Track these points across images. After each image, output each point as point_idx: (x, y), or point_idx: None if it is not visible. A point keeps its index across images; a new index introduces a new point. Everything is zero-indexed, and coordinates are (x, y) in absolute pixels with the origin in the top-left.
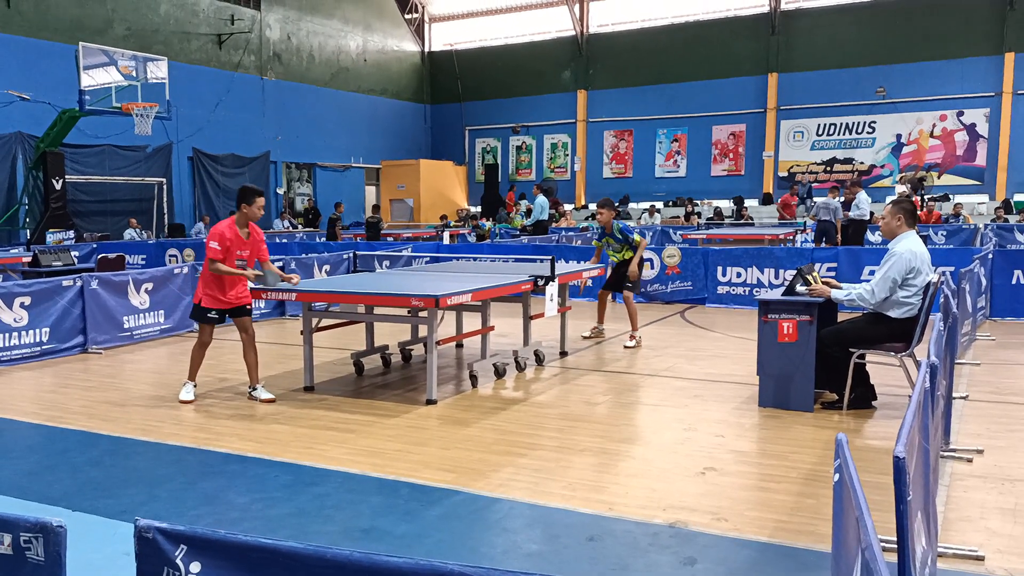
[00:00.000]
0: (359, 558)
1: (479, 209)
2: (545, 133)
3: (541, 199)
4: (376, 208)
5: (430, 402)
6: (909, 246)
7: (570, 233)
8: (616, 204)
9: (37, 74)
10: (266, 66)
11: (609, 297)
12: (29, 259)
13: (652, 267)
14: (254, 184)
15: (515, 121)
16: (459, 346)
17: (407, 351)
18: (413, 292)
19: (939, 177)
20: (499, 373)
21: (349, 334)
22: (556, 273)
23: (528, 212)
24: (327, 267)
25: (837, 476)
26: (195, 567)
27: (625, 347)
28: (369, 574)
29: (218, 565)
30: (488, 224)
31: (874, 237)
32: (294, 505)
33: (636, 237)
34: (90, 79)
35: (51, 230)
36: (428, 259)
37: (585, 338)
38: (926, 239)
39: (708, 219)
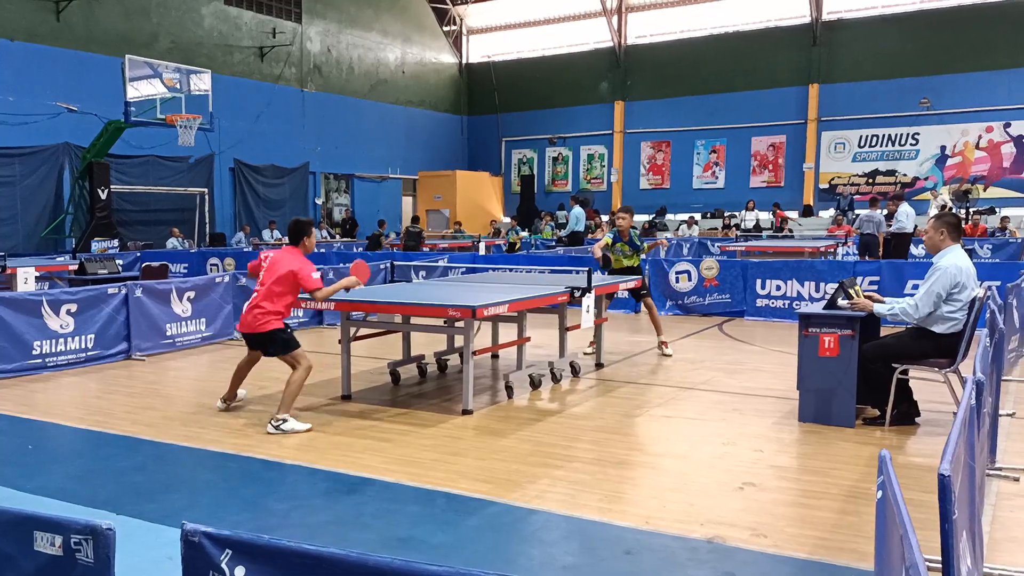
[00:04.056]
0: (400, 566)
1: (508, 220)
2: (581, 144)
3: (577, 210)
4: (415, 219)
5: (466, 412)
6: (954, 260)
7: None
8: (653, 216)
9: (84, 86)
10: (306, 78)
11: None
12: (75, 267)
13: (690, 279)
14: (291, 195)
15: (552, 132)
16: (495, 357)
17: (443, 361)
18: (450, 302)
19: (985, 190)
20: (535, 384)
21: (386, 344)
22: (592, 285)
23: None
24: None
25: (880, 493)
26: (240, 571)
27: (664, 355)
28: None
29: (262, 570)
30: (522, 232)
31: (917, 250)
32: (332, 513)
33: (646, 245)
34: (135, 91)
35: (96, 239)
36: (464, 269)
37: (587, 354)
38: (971, 253)
39: (745, 230)
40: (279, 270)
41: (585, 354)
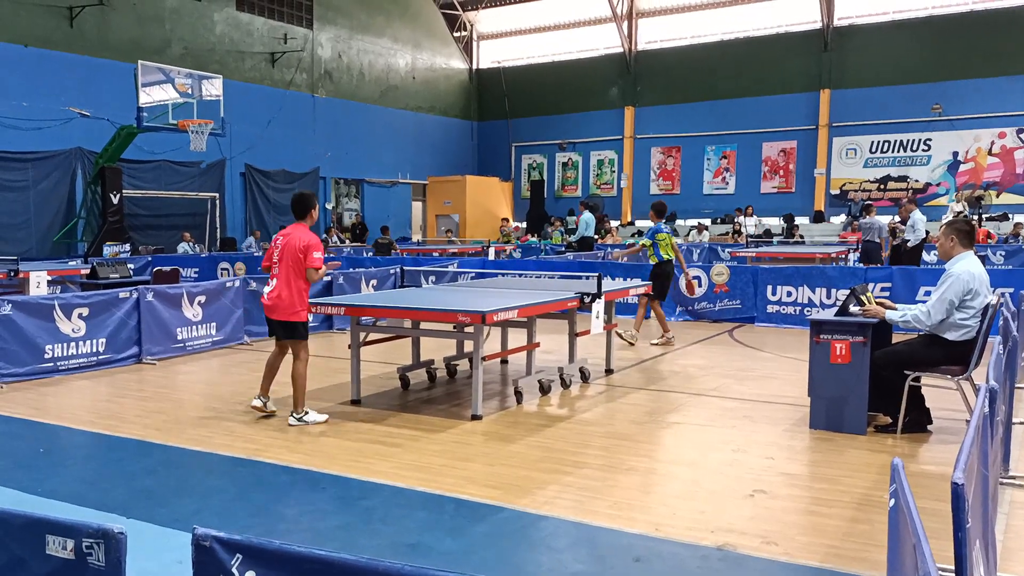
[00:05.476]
0: (410, 571)
1: (515, 225)
2: (592, 150)
3: (587, 215)
4: (385, 229)
5: (475, 418)
6: (967, 267)
7: (616, 250)
8: (663, 221)
9: (97, 92)
10: (317, 84)
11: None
12: (87, 271)
13: (700, 285)
14: None
15: (562, 138)
16: (504, 362)
17: (452, 366)
18: (460, 308)
19: (998, 196)
20: (544, 390)
21: (395, 349)
22: (602, 290)
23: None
24: (374, 282)
25: (893, 501)
26: None
27: (652, 344)
28: None
29: (273, 575)
30: (511, 242)
31: (929, 257)
32: (342, 518)
33: (646, 241)
34: (148, 96)
35: (108, 243)
36: (474, 275)
37: (655, 344)
38: (984, 259)
39: (752, 236)
40: (296, 248)
41: (653, 344)
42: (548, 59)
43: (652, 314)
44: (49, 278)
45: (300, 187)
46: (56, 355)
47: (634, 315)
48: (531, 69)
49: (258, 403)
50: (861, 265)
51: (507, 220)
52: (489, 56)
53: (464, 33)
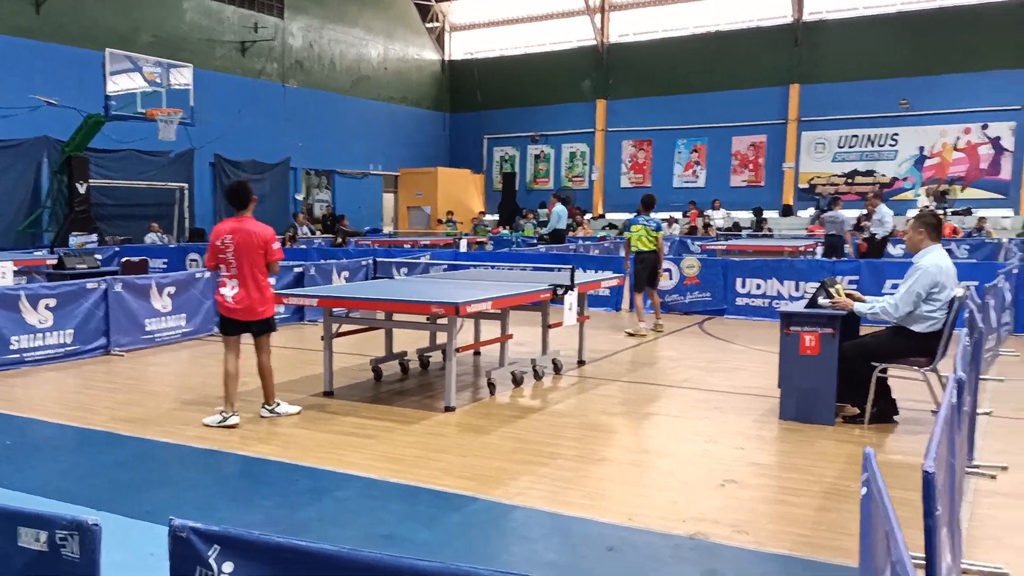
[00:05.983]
0: (389, 561)
1: (489, 219)
2: (563, 142)
3: (559, 208)
4: (340, 218)
5: (448, 409)
6: (935, 260)
7: (588, 242)
8: (635, 214)
9: (64, 80)
10: (288, 73)
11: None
12: (54, 262)
13: (671, 277)
14: (271, 190)
15: (534, 130)
16: (477, 354)
17: (425, 358)
18: (433, 299)
19: (962, 191)
20: (517, 381)
21: (368, 340)
22: (575, 282)
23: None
24: (346, 273)
25: (865, 490)
26: (228, 567)
27: (627, 333)
28: None
29: (251, 566)
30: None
31: (895, 250)
32: (316, 509)
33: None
34: (116, 85)
35: (74, 233)
36: (446, 267)
37: (630, 335)
38: (949, 253)
39: (720, 230)
40: (254, 244)
41: (628, 333)
42: (520, 51)
43: (635, 306)
44: (15, 268)
45: (270, 178)
46: (22, 346)
47: (613, 309)
48: (503, 61)
49: (236, 420)
50: (825, 258)
51: (483, 213)
52: (461, 47)
53: (436, 24)
